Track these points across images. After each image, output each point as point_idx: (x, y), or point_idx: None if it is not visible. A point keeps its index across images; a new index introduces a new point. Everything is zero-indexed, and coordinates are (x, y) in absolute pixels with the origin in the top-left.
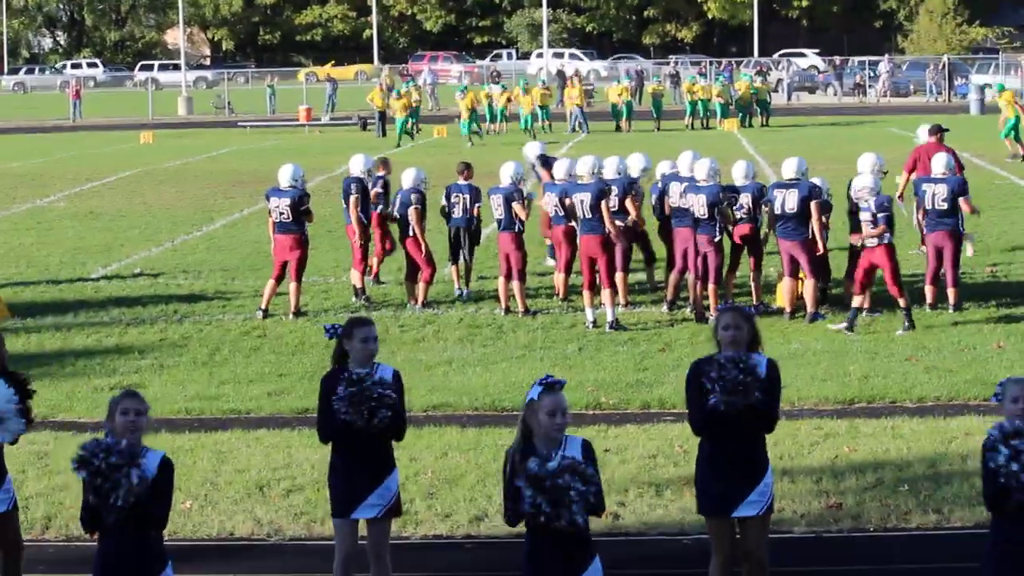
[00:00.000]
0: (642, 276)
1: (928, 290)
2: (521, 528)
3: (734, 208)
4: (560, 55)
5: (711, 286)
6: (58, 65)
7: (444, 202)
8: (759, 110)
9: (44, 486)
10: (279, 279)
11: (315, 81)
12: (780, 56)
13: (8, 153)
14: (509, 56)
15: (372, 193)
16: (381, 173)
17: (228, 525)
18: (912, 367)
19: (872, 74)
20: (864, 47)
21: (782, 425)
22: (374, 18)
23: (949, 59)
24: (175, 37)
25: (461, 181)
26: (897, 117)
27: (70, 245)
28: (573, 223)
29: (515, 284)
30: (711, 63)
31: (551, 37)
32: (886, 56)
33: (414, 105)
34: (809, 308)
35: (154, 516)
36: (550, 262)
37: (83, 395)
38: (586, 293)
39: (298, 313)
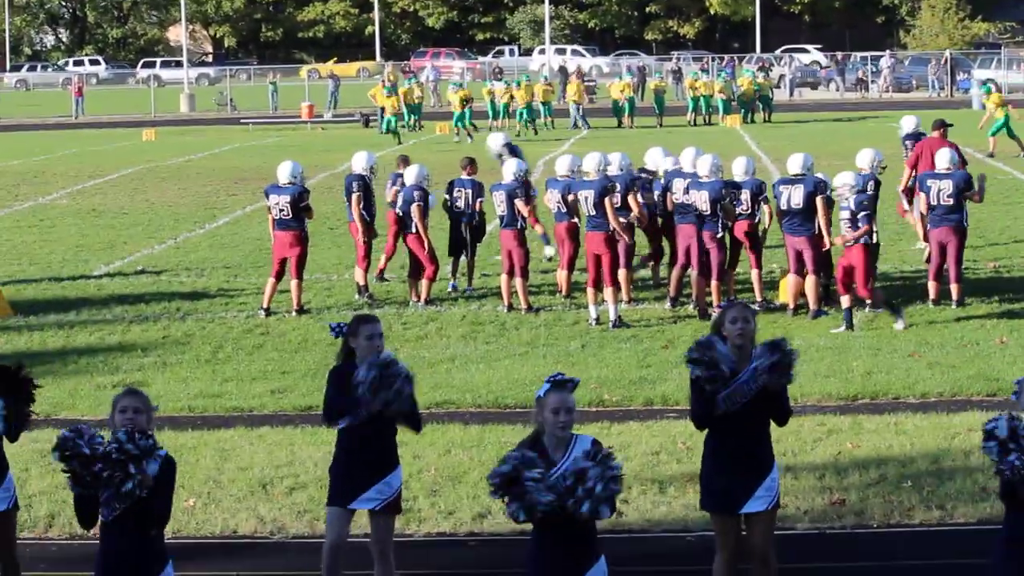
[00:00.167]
0: (644, 273)
1: (931, 286)
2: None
3: (735, 204)
4: (562, 51)
5: (713, 282)
6: (60, 62)
7: (447, 197)
8: (761, 106)
9: (47, 484)
10: (279, 276)
11: (317, 78)
12: (782, 52)
13: (10, 150)
14: (511, 52)
15: (391, 192)
16: (400, 171)
17: (231, 523)
18: (915, 363)
19: (874, 70)
20: (866, 43)
21: None
22: (376, 14)
23: (951, 54)
24: (177, 34)
25: (464, 176)
26: (899, 113)
27: (72, 242)
28: (576, 219)
29: (517, 281)
30: (713, 59)
31: (553, 33)
32: (887, 52)
33: (416, 101)
34: (812, 305)
35: (155, 514)
36: (548, 250)
37: (86, 393)
38: (590, 290)
39: (301, 311)
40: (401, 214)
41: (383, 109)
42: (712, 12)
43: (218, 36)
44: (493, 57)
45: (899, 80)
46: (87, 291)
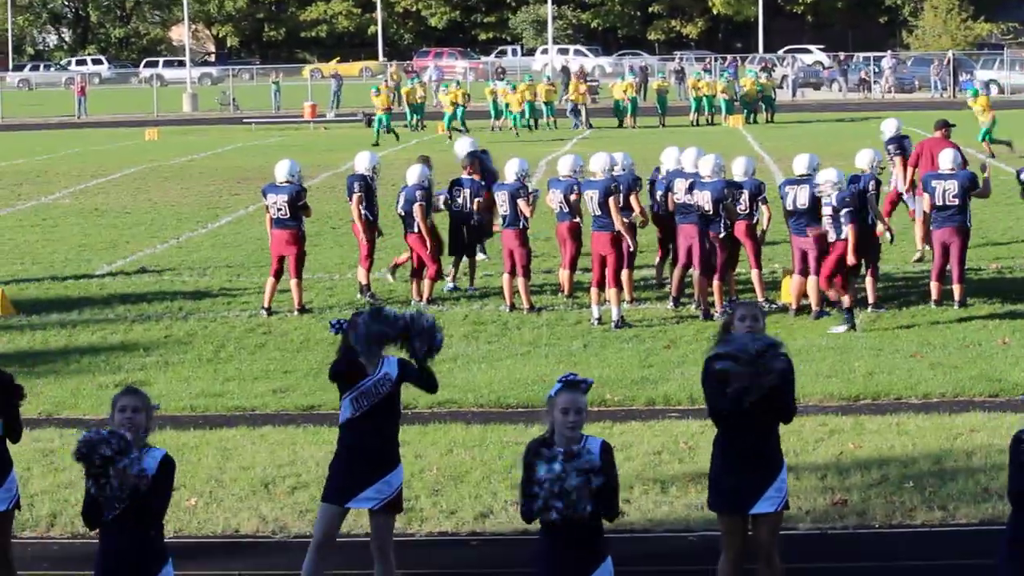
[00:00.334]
0: (646, 272)
1: (934, 286)
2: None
3: (736, 204)
4: (565, 51)
5: (716, 282)
6: (63, 62)
7: (447, 196)
8: (764, 106)
9: (49, 483)
10: (278, 275)
11: (320, 78)
12: (785, 52)
13: (13, 150)
14: (514, 52)
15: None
16: (470, 175)
17: (233, 522)
18: (917, 363)
19: (877, 70)
20: (869, 43)
21: None
22: (379, 14)
23: (954, 55)
24: (180, 34)
25: (465, 176)
26: (902, 113)
27: (75, 242)
28: (578, 219)
29: (520, 280)
30: (716, 59)
31: (556, 33)
32: (888, 52)
33: (418, 101)
34: (814, 305)
35: (151, 512)
36: (481, 257)
37: (88, 392)
38: (593, 290)
39: (302, 310)
40: (403, 213)
41: (388, 109)
42: (715, 12)
43: (221, 36)
44: (496, 57)
45: (901, 81)
46: (89, 290)
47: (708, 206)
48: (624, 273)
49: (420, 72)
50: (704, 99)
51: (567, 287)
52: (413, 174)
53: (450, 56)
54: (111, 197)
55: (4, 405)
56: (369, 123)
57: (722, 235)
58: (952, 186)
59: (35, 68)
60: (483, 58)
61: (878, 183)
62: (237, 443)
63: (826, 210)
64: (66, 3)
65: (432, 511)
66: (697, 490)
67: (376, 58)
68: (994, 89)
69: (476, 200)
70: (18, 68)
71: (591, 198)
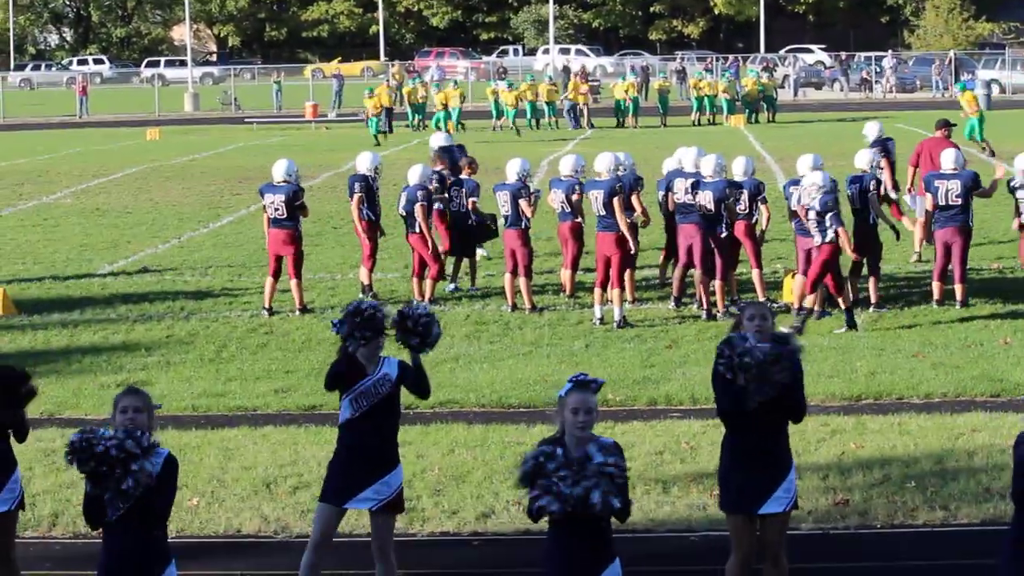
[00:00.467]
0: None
1: (936, 286)
2: (529, 524)
3: (737, 204)
4: (566, 51)
5: (717, 282)
6: (64, 61)
7: (448, 196)
8: (765, 106)
9: (51, 483)
10: (276, 274)
11: (321, 77)
12: (787, 52)
13: (14, 149)
14: (515, 52)
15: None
16: (439, 168)
17: (235, 522)
18: (919, 363)
19: (878, 70)
20: (871, 43)
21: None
22: (380, 14)
23: (955, 54)
24: (181, 33)
25: (463, 176)
26: (903, 113)
27: (76, 242)
28: (579, 219)
29: (521, 280)
30: (717, 59)
31: (557, 33)
32: (889, 52)
33: (420, 101)
34: (816, 306)
35: (155, 512)
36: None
37: (89, 392)
38: (597, 290)
39: (304, 310)
40: (405, 214)
41: (389, 109)
42: (716, 12)
43: (222, 35)
44: (497, 57)
45: (903, 80)
46: (91, 290)
47: (710, 206)
48: (626, 273)
49: (422, 72)
50: (706, 99)
51: (569, 287)
52: (415, 174)
53: (451, 56)
54: (113, 197)
55: (8, 404)
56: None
57: (724, 235)
58: (955, 186)
59: (36, 68)
60: (484, 58)
61: (878, 182)
62: (239, 443)
63: (810, 214)
64: (67, 3)
65: (434, 511)
66: (699, 490)
67: (377, 58)
68: (995, 89)
69: (471, 199)
70: (20, 68)
71: (596, 198)
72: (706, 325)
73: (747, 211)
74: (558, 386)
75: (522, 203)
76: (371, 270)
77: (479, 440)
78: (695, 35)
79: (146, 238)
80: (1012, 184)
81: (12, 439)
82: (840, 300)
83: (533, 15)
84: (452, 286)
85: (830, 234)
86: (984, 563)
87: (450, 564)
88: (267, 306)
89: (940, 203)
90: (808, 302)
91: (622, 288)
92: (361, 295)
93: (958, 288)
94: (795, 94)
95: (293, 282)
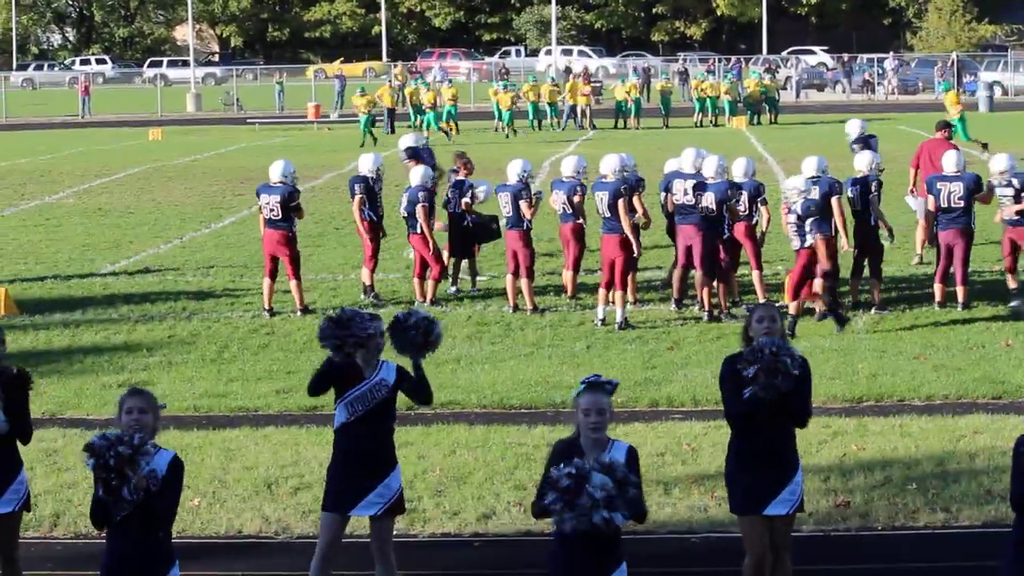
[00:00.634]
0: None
1: (937, 288)
2: (530, 525)
3: (737, 205)
4: (569, 52)
5: (719, 284)
6: (67, 61)
7: (447, 197)
8: (767, 108)
9: (52, 483)
10: (273, 275)
11: (324, 78)
12: (789, 53)
13: (17, 149)
14: (518, 53)
15: (449, 193)
16: (457, 167)
17: (236, 523)
18: (920, 365)
19: (880, 71)
20: (873, 44)
21: None
22: (383, 15)
23: (958, 56)
24: (184, 33)
25: (460, 176)
26: (906, 114)
27: (79, 242)
28: (581, 221)
29: (523, 281)
30: (720, 60)
31: (560, 34)
32: (891, 53)
33: (421, 102)
34: (818, 308)
35: (159, 513)
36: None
37: (91, 392)
38: (602, 291)
39: (305, 310)
40: (406, 214)
41: (391, 110)
42: (719, 13)
43: (225, 36)
44: (499, 58)
45: (905, 82)
46: (93, 290)
47: (713, 207)
48: (628, 275)
49: (424, 73)
50: (708, 100)
51: (570, 288)
52: (416, 175)
53: (454, 57)
54: (115, 197)
55: (9, 403)
56: (373, 124)
57: (725, 236)
58: (957, 188)
59: (39, 68)
60: (487, 59)
61: (879, 184)
62: (240, 444)
63: (791, 217)
64: (70, 2)
65: (435, 512)
66: (700, 492)
67: (380, 59)
68: (998, 91)
69: (464, 201)
70: (22, 67)
71: (600, 199)
72: (707, 327)
73: (747, 212)
74: (559, 387)
75: (522, 204)
76: (373, 271)
77: (480, 441)
78: (697, 36)
79: (148, 238)
80: (990, 183)
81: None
82: (816, 304)
83: (535, 16)
84: (453, 288)
85: (809, 239)
86: (986, 565)
87: (451, 565)
88: (267, 307)
89: (942, 205)
90: (792, 308)
91: (624, 290)
92: (363, 296)
93: (960, 290)
94: (797, 96)
95: (293, 283)
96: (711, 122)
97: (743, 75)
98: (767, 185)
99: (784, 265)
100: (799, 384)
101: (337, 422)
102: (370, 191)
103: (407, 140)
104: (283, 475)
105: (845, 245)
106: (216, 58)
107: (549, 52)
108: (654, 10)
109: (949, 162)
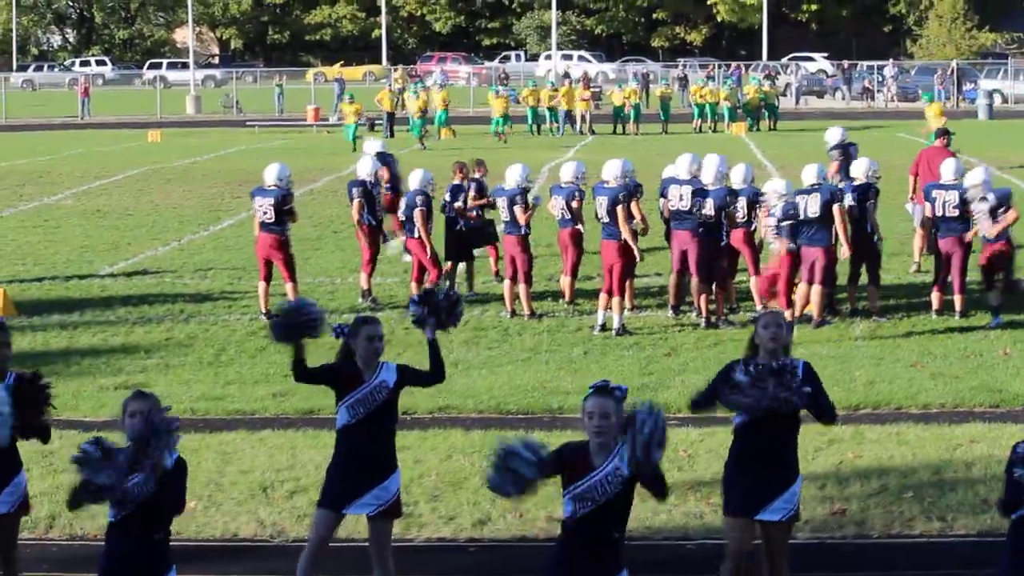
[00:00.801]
0: (648, 281)
1: (935, 296)
2: (525, 531)
3: (736, 212)
4: (569, 57)
5: (716, 290)
6: (67, 62)
7: (444, 201)
8: (767, 114)
9: (48, 485)
10: (267, 278)
11: (323, 81)
12: (789, 60)
13: (16, 150)
14: (518, 58)
15: (469, 197)
16: (477, 175)
17: (232, 526)
18: (918, 373)
19: (880, 79)
20: (873, 51)
21: None
22: (383, 18)
23: (958, 64)
24: (184, 36)
25: (455, 181)
26: (905, 122)
27: (77, 243)
28: (579, 226)
29: (521, 287)
30: (719, 66)
31: (560, 39)
32: (891, 61)
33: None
34: (816, 315)
35: (165, 509)
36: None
37: (88, 394)
38: (603, 296)
39: None
40: (404, 219)
41: (391, 114)
42: (719, 19)
43: (225, 38)
44: (500, 62)
45: (905, 89)
46: (91, 292)
47: (711, 213)
48: (626, 281)
49: (424, 77)
50: (707, 106)
51: (568, 294)
52: (415, 179)
53: (454, 61)
54: (113, 199)
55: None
56: (372, 127)
57: (724, 243)
58: (953, 196)
59: (39, 69)
60: (487, 63)
61: (876, 192)
62: (237, 447)
63: (770, 220)
64: (70, 4)
65: (431, 517)
66: (696, 498)
67: (380, 62)
68: (998, 99)
69: (456, 204)
70: (22, 68)
71: (600, 204)
72: (705, 333)
73: (745, 219)
74: (557, 392)
75: (516, 210)
76: (370, 275)
77: (477, 446)
78: (697, 42)
79: (147, 240)
80: (965, 197)
81: (19, 442)
82: (771, 304)
83: (536, 21)
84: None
85: (789, 245)
86: (981, 574)
87: (447, 570)
88: (264, 310)
89: (939, 214)
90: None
91: (622, 296)
92: (361, 299)
93: (957, 298)
94: (797, 102)
95: (288, 286)
96: (710, 128)
97: (743, 81)
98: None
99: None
100: (814, 377)
101: (339, 424)
102: (368, 195)
103: (373, 146)
104: (279, 478)
105: (846, 252)
106: (216, 60)
107: (549, 57)
108: (654, 16)
109: (947, 170)
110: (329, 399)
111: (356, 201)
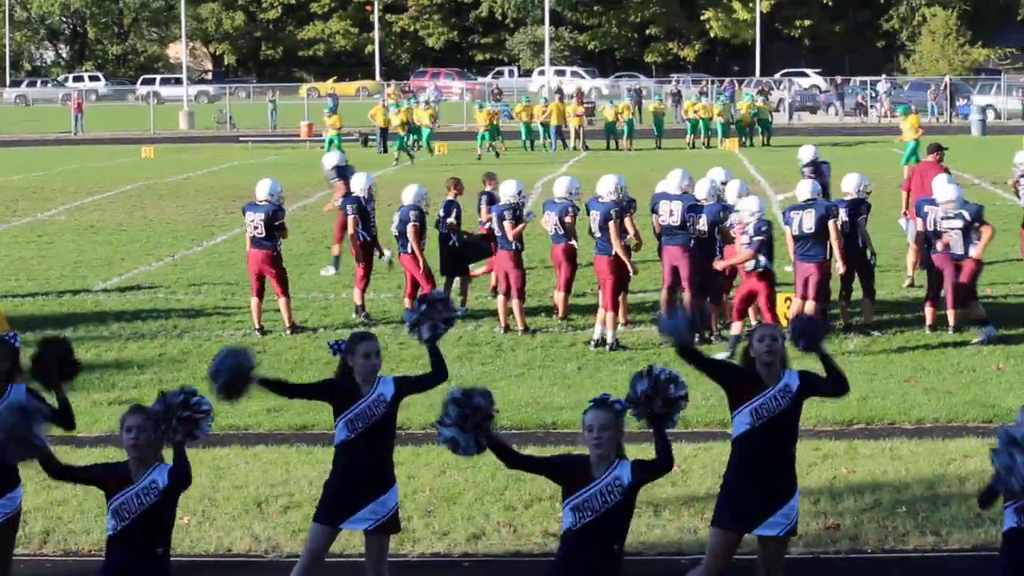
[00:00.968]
0: (642, 296)
1: (928, 311)
2: (519, 546)
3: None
4: (562, 73)
5: (712, 306)
6: (60, 78)
7: (438, 216)
8: (760, 129)
9: (43, 500)
10: (260, 294)
11: (317, 96)
12: (782, 75)
13: (9, 166)
14: (511, 73)
15: (484, 211)
16: (489, 188)
17: (226, 541)
18: (911, 388)
19: (873, 94)
20: (867, 67)
21: None
22: (376, 34)
23: (951, 79)
24: (177, 51)
25: (449, 196)
26: (898, 137)
27: (70, 259)
28: (573, 242)
29: (514, 302)
30: (713, 82)
31: (553, 55)
32: (883, 76)
33: (414, 122)
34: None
35: (162, 525)
36: (330, 271)
37: (82, 409)
38: (600, 312)
39: (294, 328)
40: (397, 233)
41: (383, 129)
42: (712, 35)
43: (218, 54)
44: (493, 78)
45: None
46: (84, 307)
47: (704, 229)
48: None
49: (417, 92)
50: (700, 122)
51: (562, 309)
52: (409, 194)
53: (447, 77)
54: (107, 214)
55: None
56: (365, 143)
57: (717, 258)
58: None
59: (32, 84)
60: (480, 79)
61: (868, 207)
62: (230, 462)
63: (743, 239)
64: (64, 19)
65: (424, 532)
66: (690, 513)
67: (373, 78)
68: (991, 114)
69: (448, 220)
70: (15, 84)
71: (594, 219)
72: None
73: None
74: (550, 408)
75: (505, 225)
76: (364, 290)
77: (471, 462)
78: (691, 58)
79: (140, 256)
80: (937, 214)
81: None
82: (736, 326)
83: (529, 37)
84: None
85: (762, 261)
86: None
87: None
88: (257, 325)
89: (930, 229)
90: (736, 328)
91: (616, 311)
92: (354, 315)
93: (951, 314)
94: (790, 118)
95: (281, 300)
96: (704, 144)
97: (736, 97)
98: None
99: (777, 288)
100: (812, 378)
101: (337, 439)
102: (363, 211)
103: (332, 159)
104: (273, 494)
105: (841, 268)
106: (209, 76)
107: (542, 73)
108: (647, 31)
109: (940, 185)
110: (323, 414)
111: (351, 217)
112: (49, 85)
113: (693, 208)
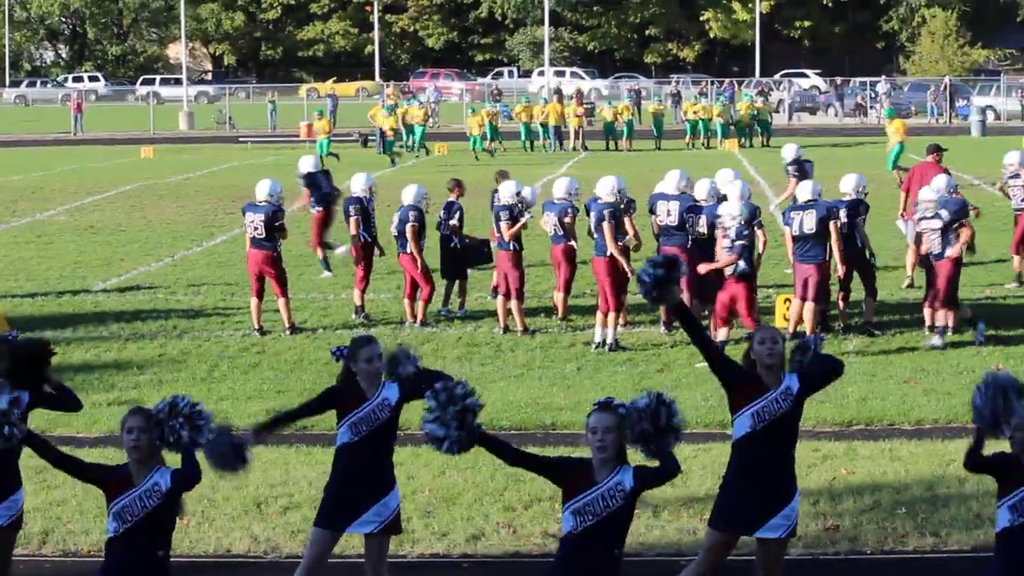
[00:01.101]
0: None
1: (927, 312)
2: (519, 547)
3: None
4: (561, 73)
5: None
6: (60, 78)
7: (439, 218)
8: (760, 130)
9: (42, 501)
10: (259, 294)
11: (316, 97)
12: (782, 76)
13: (9, 166)
14: (511, 74)
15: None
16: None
17: (225, 542)
18: (910, 389)
19: (873, 95)
20: (866, 68)
21: None
22: (376, 34)
23: (950, 80)
24: (177, 52)
25: (451, 198)
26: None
27: (70, 259)
28: (572, 243)
29: (513, 303)
30: (712, 83)
31: (552, 55)
32: (883, 77)
33: (408, 121)
34: (808, 332)
35: (163, 528)
36: (325, 274)
37: (82, 410)
38: (600, 313)
39: (293, 329)
40: (396, 233)
41: (383, 130)
42: (712, 36)
43: (218, 54)
44: (492, 79)
45: (898, 106)
46: (84, 308)
47: (704, 230)
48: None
49: (417, 93)
50: (700, 122)
51: (561, 310)
52: (408, 195)
53: (446, 77)
54: (106, 214)
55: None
56: (365, 143)
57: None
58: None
59: (32, 84)
60: (480, 79)
61: (866, 207)
62: None
63: (725, 243)
64: (63, 19)
65: (424, 533)
66: (689, 514)
67: (372, 78)
68: (991, 115)
69: (450, 222)
70: (15, 84)
71: (593, 220)
72: (697, 350)
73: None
74: (549, 408)
75: (502, 225)
76: (363, 291)
77: (470, 462)
78: (690, 59)
79: (139, 256)
80: (915, 215)
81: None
82: (723, 331)
83: (528, 37)
84: (444, 308)
85: (740, 265)
86: None
87: None
88: (257, 326)
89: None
90: (723, 334)
91: (616, 312)
92: (354, 316)
93: (939, 314)
94: (790, 118)
95: (281, 301)
96: (703, 144)
97: (736, 98)
98: (760, 208)
99: (777, 290)
100: (809, 374)
101: (339, 441)
102: (365, 212)
103: (305, 164)
104: (272, 494)
105: (841, 269)
106: (209, 76)
107: (542, 73)
108: (647, 32)
109: (938, 186)
110: (322, 416)
111: (353, 218)
112: (49, 85)
113: (692, 209)
